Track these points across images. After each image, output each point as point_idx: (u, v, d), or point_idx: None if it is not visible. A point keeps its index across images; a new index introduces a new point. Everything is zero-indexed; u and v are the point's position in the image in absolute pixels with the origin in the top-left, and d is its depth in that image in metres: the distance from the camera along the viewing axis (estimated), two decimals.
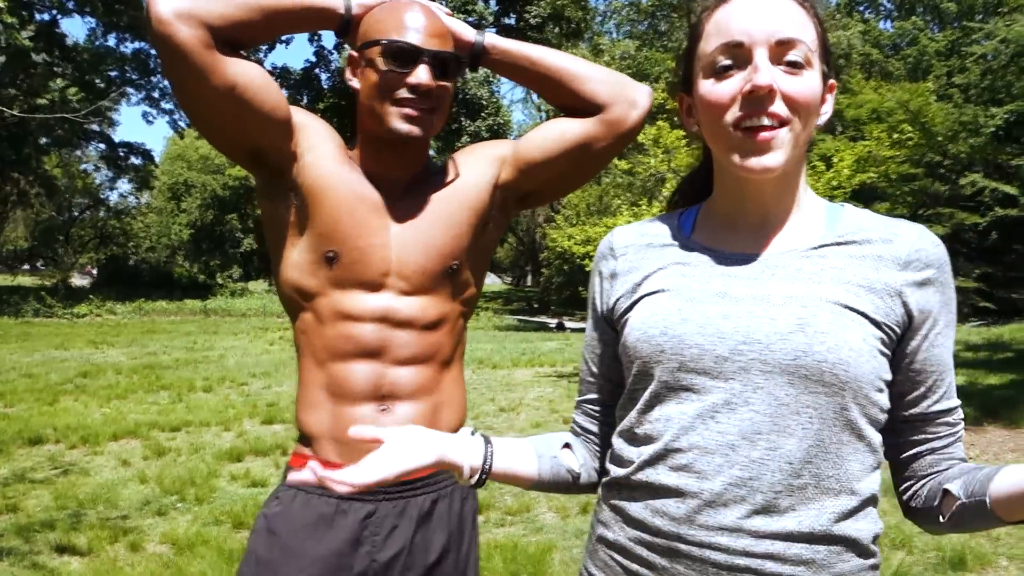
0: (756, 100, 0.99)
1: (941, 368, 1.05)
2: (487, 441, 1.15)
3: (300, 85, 27.57)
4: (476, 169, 1.59)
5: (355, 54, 1.51)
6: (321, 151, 1.52)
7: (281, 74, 27.41)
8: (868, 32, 36.67)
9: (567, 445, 1.24)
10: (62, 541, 4.42)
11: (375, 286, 1.50)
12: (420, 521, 1.50)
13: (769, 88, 0.98)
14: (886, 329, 1.00)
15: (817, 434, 0.97)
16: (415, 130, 1.45)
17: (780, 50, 1.00)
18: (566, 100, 1.58)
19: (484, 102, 26.08)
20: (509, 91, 42.71)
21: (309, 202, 1.49)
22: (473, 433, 1.16)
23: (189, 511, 5.08)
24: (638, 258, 1.17)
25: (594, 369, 1.25)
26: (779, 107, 0.99)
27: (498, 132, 26.05)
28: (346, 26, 1.50)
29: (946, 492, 1.02)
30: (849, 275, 1.01)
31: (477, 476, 1.13)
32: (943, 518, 1.03)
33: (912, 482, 1.09)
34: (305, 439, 1.54)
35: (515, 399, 9.44)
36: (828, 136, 17.09)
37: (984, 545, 4.11)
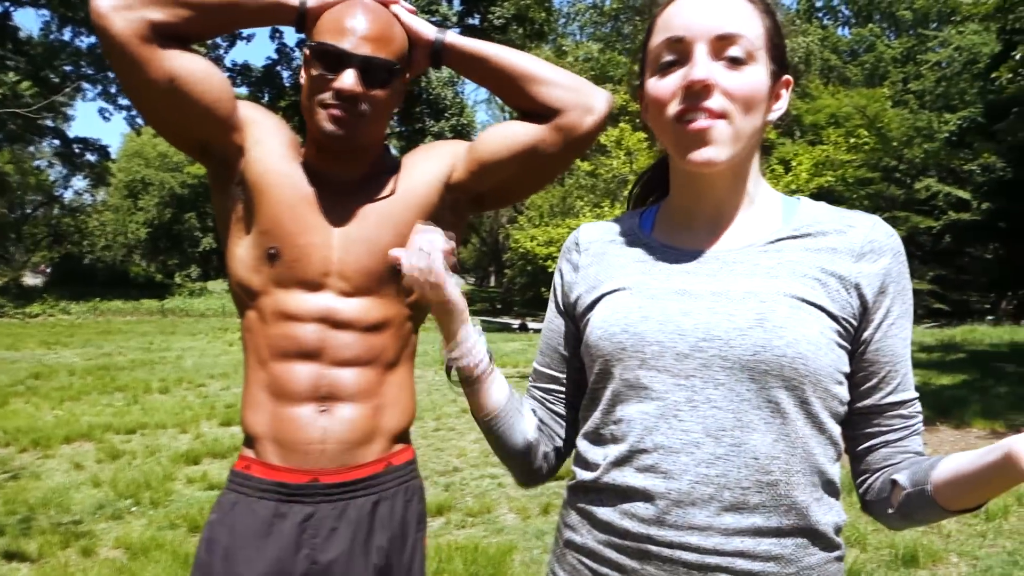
0: (693, 94, 1.00)
1: (895, 359, 1.05)
2: (491, 355, 1.19)
3: (261, 83, 27.27)
4: (427, 168, 1.57)
5: (307, 52, 1.50)
6: (267, 146, 1.51)
7: (242, 71, 27.10)
8: (827, 38, 37.32)
9: (535, 417, 1.24)
10: (11, 547, 4.30)
11: (315, 286, 1.49)
12: (360, 524, 1.48)
13: (704, 82, 0.99)
14: (843, 322, 1.01)
15: (780, 428, 0.98)
16: (338, 131, 1.42)
17: (720, 45, 1.01)
18: (522, 102, 1.56)
19: (448, 102, 26.04)
20: (473, 91, 42.77)
21: (254, 197, 1.49)
22: (481, 334, 1.19)
23: (144, 515, 4.98)
24: (601, 255, 1.17)
25: (549, 360, 1.25)
26: (716, 101, 1.00)
27: (462, 133, 26.02)
28: (302, 20, 1.48)
29: (894, 482, 1.03)
30: (806, 268, 1.02)
31: (472, 383, 1.16)
32: (892, 509, 1.04)
33: (867, 475, 1.09)
34: (248, 440, 1.53)
35: None
36: (787, 140, 17.35)
37: (936, 542, 4.19)
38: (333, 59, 1.40)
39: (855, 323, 1.03)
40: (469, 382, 1.18)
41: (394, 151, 1.67)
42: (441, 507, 5.00)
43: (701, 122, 1.00)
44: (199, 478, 5.81)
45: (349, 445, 1.48)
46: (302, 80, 1.51)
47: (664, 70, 1.04)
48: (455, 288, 1.14)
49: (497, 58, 1.54)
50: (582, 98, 1.52)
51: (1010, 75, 10.24)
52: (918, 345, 14.95)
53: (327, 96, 1.41)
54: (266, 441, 1.49)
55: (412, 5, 1.54)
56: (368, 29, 1.42)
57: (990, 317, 23.87)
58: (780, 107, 1.09)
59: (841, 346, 1.01)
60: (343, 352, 1.48)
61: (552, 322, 1.25)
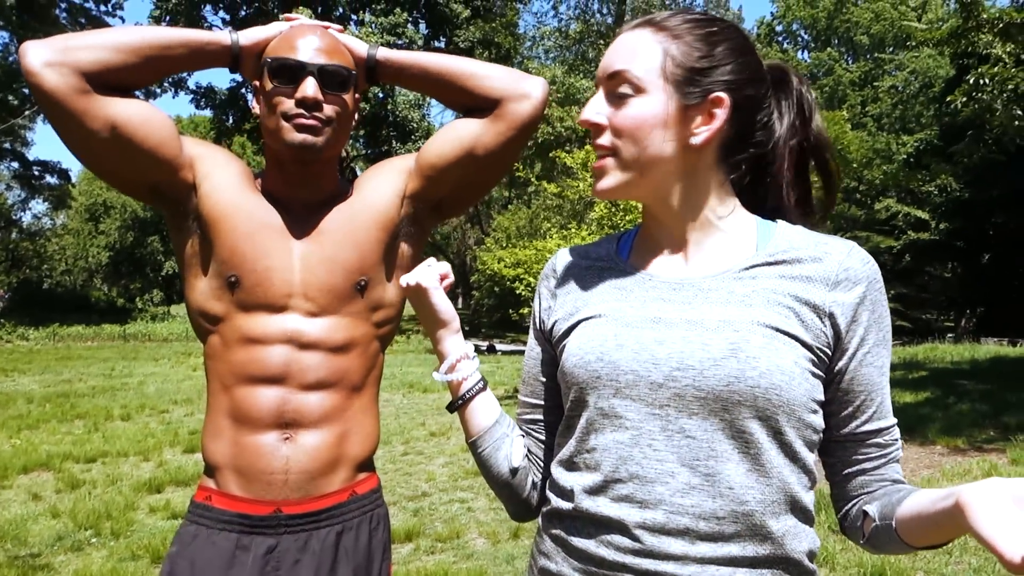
0: (591, 134, 1.10)
1: (870, 388, 1.05)
2: (483, 380, 1.24)
3: (226, 105, 27.09)
4: (383, 183, 1.60)
5: (257, 83, 1.53)
6: (217, 178, 1.52)
7: (206, 94, 26.90)
8: (787, 62, 37.99)
9: (524, 444, 1.24)
10: None
11: (279, 307, 1.49)
12: (324, 555, 1.47)
13: (588, 123, 1.09)
14: (817, 351, 1.01)
15: (755, 459, 0.98)
16: (308, 138, 1.45)
17: (611, 84, 1.08)
18: (463, 99, 1.60)
19: (415, 124, 26.03)
20: (439, 114, 42.84)
21: (209, 229, 1.50)
22: (473, 357, 1.25)
23: (105, 546, 4.86)
24: (578, 281, 1.17)
25: (531, 389, 1.25)
26: (604, 138, 1.08)
27: None
28: (235, 60, 1.51)
29: (865, 513, 1.04)
30: (780, 297, 1.02)
31: (456, 402, 1.23)
32: (863, 539, 1.05)
33: (844, 503, 1.10)
34: (209, 469, 1.51)
35: (445, 423, 9.36)
36: None
37: (903, 560, 4.22)
38: (291, 72, 1.44)
39: (829, 352, 1.02)
40: (456, 402, 1.22)
41: (360, 173, 1.68)
42: (410, 533, 4.94)
43: (599, 159, 1.10)
44: (162, 507, 5.69)
45: (312, 474, 1.47)
46: (255, 108, 1.54)
47: None
48: (442, 300, 1.25)
49: (432, 63, 1.59)
50: (519, 85, 1.57)
51: (964, 99, 10.47)
52: None
53: (290, 107, 1.44)
54: (227, 471, 1.47)
55: (377, 29, 1.58)
56: (318, 43, 1.47)
57: (951, 335, 24.29)
58: (710, 127, 1.05)
59: (815, 375, 1.01)
60: (309, 374, 1.48)
61: (532, 350, 1.25)
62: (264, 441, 1.46)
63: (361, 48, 1.57)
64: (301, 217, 1.52)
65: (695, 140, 1.06)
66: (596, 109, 1.08)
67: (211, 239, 1.49)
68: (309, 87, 1.43)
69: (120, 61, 1.41)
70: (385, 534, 1.57)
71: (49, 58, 1.36)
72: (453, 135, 1.59)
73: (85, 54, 1.38)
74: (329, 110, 1.46)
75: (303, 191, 1.54)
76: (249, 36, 1.51)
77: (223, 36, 1.50)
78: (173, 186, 1.50)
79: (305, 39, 1.47)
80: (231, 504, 1.46)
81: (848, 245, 1.05)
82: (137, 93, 1.49)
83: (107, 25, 28.38)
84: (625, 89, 1.05)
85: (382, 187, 1.59)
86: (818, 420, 1.03)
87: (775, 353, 0.97)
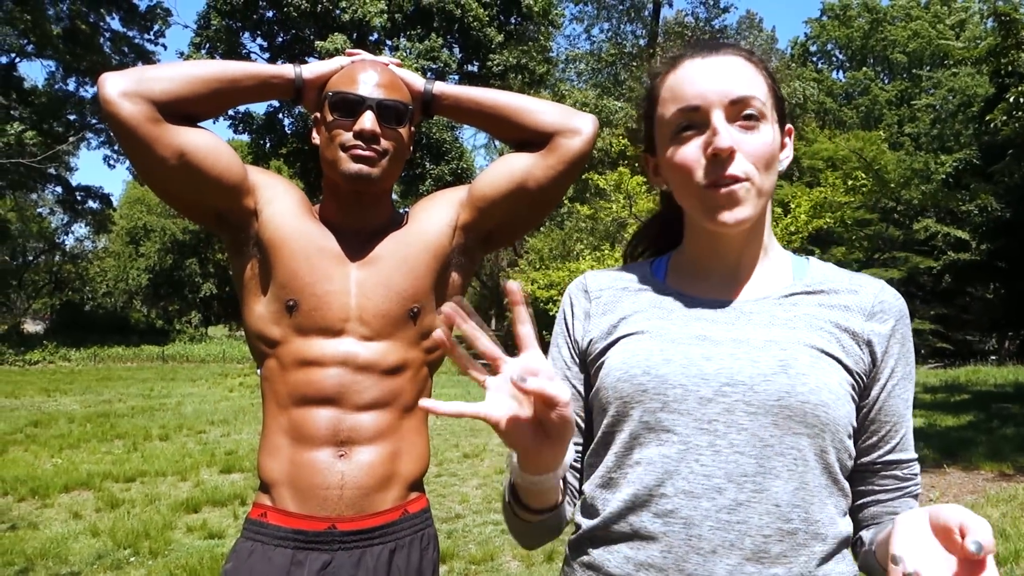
0: (719, 162, 1.01)
1: (896, 419, 1.06)
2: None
3: (263, 130, 27.51)
4: (436, 214, 1.64)
5: (317, 115, 1.59)
6: (279, 205, 1.57)
7: (244, 119, 27.36)
8: (822, 82, 37.76)
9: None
10: None
11: (335, 332, 1.53)
12: (377, 572, 1.49)
13: (730, 150, 1.01)
14: (856, 376, 1.02)
15: (801, 476, 0.97)
16: (364, 168, 1.50)
17: (735, 108, 1.03)
18: (516, 134, 1.65)
19: (447, 146, 26.22)
20: (472, 136, 43.24)
21: (270, 254, 1.54)
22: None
23: (143, 565, 4.91)
24: (614, 301, 1.16)
25: None
26: (740, 165, 1.01)
27: (461, 176, 26.18)
28: (299, 92, 1.58)
29: (860, 540, 1.05)
30: (821, 323, 1.03)
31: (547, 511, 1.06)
32: (858, 567, 1.05)
33: (857, 531, 1.09)
34: (265, 486, 1.54)
35: (479, 445, 9.35)
36: (785, 183, 17.47)
37: None
38: (351, 106, 1.50)
39: (865, 379, 1.04)
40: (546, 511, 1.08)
41: (393, 195, 1.72)
42: (444, 555, 4.92)
43: (731, 187, 1.01)
44: (199, 527, 5.74)
45: (367, 490, 1.50)
46: (316, 140, 1.60)
47: (680, 135, 1.05)
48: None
49: (486, 99, 1.64)
50: (570, 121, 1.62)
51: (1004, 117, 10.33)
52: (922, 386, 14.86)
53: (348, 139, 1.50)
54: (283, 487, 1.51)
55: (413, 53, 1.62)
56: (378, 78, 1.53)
57: (993, 357, 23.79)
58: (787, 156, 1.12)
59: (853, 399, 1.02)
60: (363, 395, 1.52)
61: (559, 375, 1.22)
62: (320, 457, 1.49)
63: (418, 82, 1.62)
64: (357, 244, 1.57)
65: (781, 167, 1.10)
66: (732, 136, 1.02)
67: (271, 263, 1.54)
68: (367, 120, 1.49)
69: (191, 92, 1.48)
70: (435, 554, 1.60)
71: (125, 88, 1.42)
72: (505, 168, 1.63)
73: (158, 85, 1.45)
74: (386, 143, 1.52)
75: (359, 220, 1.59)
76: (312, 70, 1.57)
77: (287, 70, 1.57)
78: (237, 212, 1.56)
79: (366, 74, 1.53)
80: (286, 520, 1.49)
81: (880, 282, 1.10)
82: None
83: (149, 53, 29.11)
84: (754, 113, 1.03)
85: (435, 217, 1.63)
86: (852, 446, 1.04)
87: (822, 372, 0.98)
